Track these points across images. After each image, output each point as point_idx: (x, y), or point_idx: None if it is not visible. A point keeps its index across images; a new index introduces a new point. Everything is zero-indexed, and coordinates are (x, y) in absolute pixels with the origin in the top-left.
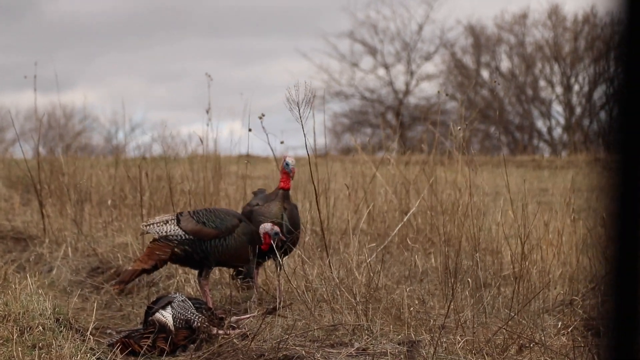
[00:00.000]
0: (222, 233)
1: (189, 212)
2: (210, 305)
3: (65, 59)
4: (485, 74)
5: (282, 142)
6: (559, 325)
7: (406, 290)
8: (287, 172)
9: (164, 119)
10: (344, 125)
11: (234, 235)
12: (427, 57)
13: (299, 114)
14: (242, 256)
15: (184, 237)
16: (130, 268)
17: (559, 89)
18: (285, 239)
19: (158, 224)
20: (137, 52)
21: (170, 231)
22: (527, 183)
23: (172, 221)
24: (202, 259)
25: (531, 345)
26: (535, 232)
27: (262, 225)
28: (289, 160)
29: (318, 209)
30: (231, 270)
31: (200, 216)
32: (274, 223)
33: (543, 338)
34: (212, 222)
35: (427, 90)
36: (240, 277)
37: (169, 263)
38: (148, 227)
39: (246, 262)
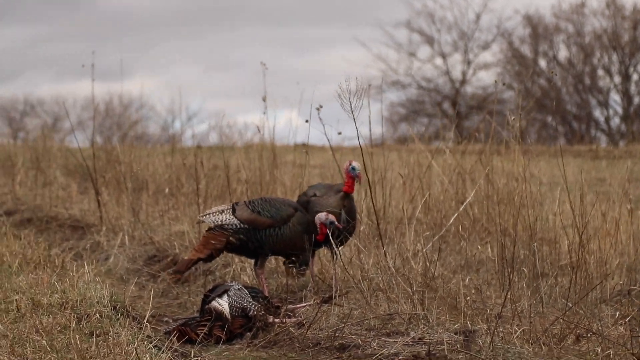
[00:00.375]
0: (277, 222)
1: (244, 201)
2: (267, 294)
3: (122, 48)
4: (542, 63)
5: (339, 133)
6: (617, 315)
7: (463, 280)
8: (352, 177)
9: (220, 108)
10: (401, 115)
11: (289, 225)
12: (485, 47)
13: (351, 108)
14: (298, 245)
15: (239, 226)
16: (186, 257)
17: (617, 78)
18: (341, 227)
19: (214, 214)
20: (195, 40)
21: (225, 220)
22: (585, 173)
23: (228, 210)
24: (257, 248)
25: (589, 335)
26: (592, 222)
27: (318, 215)
28: (355, 164)
29: (372, 199)
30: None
31: (256, 205)
32: (329, 212)
33: (600, 328)
34: (267, 212)
35: (484, 79)
36: (291, 265)
37: (224, 252)
38: (204, 217)
39: (302, 251)
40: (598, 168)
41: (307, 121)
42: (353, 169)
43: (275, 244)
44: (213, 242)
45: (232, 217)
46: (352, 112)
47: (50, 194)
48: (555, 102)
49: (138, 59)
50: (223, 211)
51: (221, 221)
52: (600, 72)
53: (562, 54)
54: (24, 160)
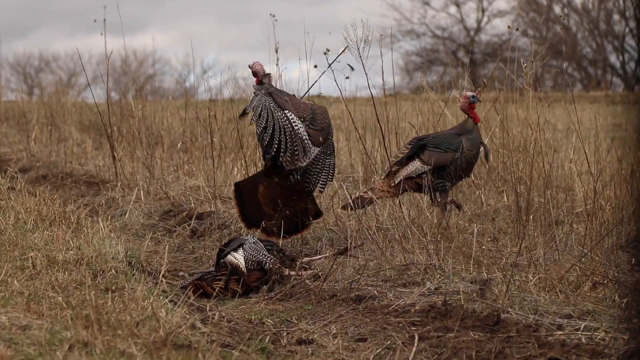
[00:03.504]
0: (457, 153)
1: (421, 148)
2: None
3: (134, 2)
4: (557, 9)
5: (347, 78)
6: (633, 262)
7: (478, 229)
8: (474, 105)
9: (234, 60)
10: (416, 64)
11: (464, 152)
12: None
13: (359, 53)
14: (471, 168)
15: (426, 169)
16: (367, 195)
17: (632, 23)
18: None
19: (404, 172)
20: None
21: (415, 171)
22: (600, 119)
23: (414, 163)
24: (440, 183)
25: (605, 282)
26: (608, 168)
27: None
28: (470, 93)
29: (386, 149)
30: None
31: (437, 145)
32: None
33: (617, 274)
34: (447, 147)
35: (498, 27)
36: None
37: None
38: (397, 178)
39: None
40: (614, 113)
41: (315, 66)
42: (473, 97)
43: (456, 175)
44: (397, 187)
45: (420, 165)
46: (359, 56)
47: (65, 150)
48: (570, 48)
49: (151, 12)
50: (409, 165)
51: (412, 173)
52: (616, 16)
53: None
54: (39, 116)
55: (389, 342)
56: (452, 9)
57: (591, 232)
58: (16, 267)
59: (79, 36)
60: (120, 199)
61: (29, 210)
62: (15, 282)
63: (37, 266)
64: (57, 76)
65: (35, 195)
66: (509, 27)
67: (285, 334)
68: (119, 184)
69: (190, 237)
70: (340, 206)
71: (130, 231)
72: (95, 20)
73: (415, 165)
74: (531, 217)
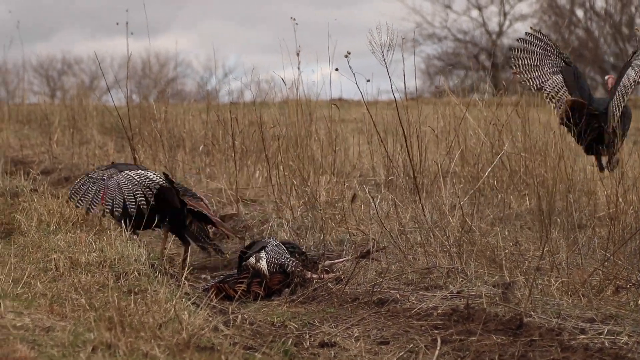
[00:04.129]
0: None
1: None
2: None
3: (155, 4)
4: (579, 13)
5: (368, 81)
6: None
7: (500, 233)
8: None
9: (256, 63)
10: (437, 68)
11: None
12: None
13: (383, 57)
14: None
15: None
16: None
17: None
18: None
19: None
20: None
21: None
22: None
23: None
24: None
25: (628, 286)
26: (631, 172)
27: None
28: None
29: (409, 152)
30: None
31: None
32: None
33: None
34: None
35: (520, 30)
36: None
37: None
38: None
39: None
40: (636, 117)
41: (336, 69)
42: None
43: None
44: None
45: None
46: (384, 60)
47: (87, 153)
48: (593, 52)
49: (172, 15)
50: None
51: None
52: (639, 20)
53: (599, 3)
54: (61, 119)
55: (411, 345)
56: (474, 13)
57: (614, 236)
58: (39, 269)
59: (101, 38)
60: None
61: (51, 212)
62: (39, 283)
63: (60, 268)
64: (80, 79)
65: (58, 197)
66: (531, 27)
67: (307, 336)
68: None
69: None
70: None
71: (152, 233)
72: (117, 24)
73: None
74: (557, 219)
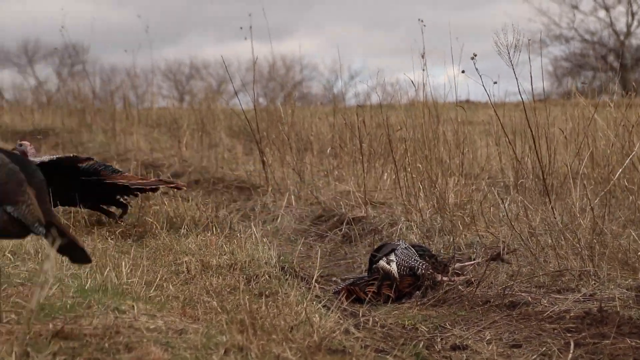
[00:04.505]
0: None
1: None
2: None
3: (280, 8)
4: None
5: (495, 83)
6: None
7: (633, 235)
8: None
9: (381, 65)
10: (565, 69)
11: None
12: None
13: (509, 58)
14: None
15: None
16: None
17: None
18: None
19: None
20: None
21: None
22: None
23: None
24: None
25: None
26: None
27: None
28: None
29: (537, 154)
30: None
31: None
32: None
33: None
34: None
35: None
36: None
37: None
38: None
39: None
40: None
41: (463, 71)
42: None
43: None
44: None
45: None
46: (510, 61)
47: (216, 156)
48: None
49: (298, 18)
50: None
51: None
52: None
53: None
54: (190, 122)
55: (544, 348)
56: (601, 13)
57: None
58: (171, 272)
59: (227, 42)
60: (271, 204)
61: (182, 215)
62: (171, 286)
63: (191, 271)
64: (207, 83)
65: (188, 201)
66: None
67: (439, 339)
68: (270, 189)
69: (342, 242)
70: None
71: (282, 236)
72: (241, 28)
73: None
74: None
